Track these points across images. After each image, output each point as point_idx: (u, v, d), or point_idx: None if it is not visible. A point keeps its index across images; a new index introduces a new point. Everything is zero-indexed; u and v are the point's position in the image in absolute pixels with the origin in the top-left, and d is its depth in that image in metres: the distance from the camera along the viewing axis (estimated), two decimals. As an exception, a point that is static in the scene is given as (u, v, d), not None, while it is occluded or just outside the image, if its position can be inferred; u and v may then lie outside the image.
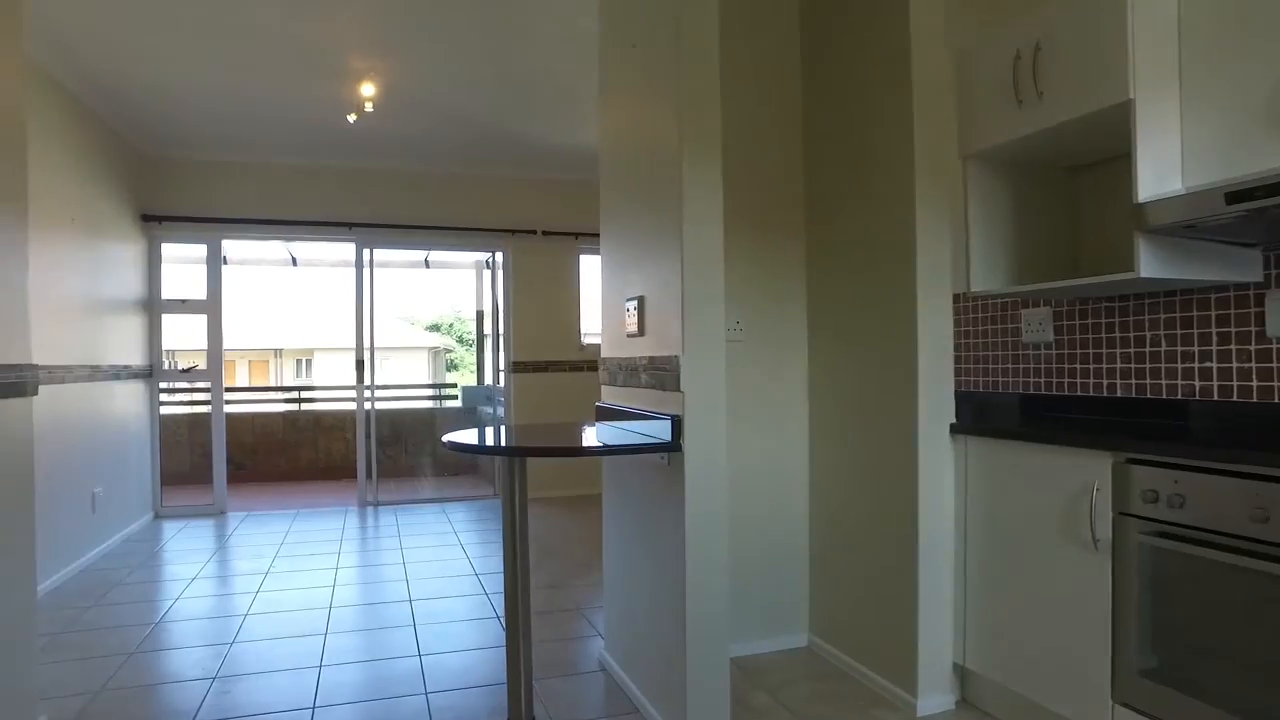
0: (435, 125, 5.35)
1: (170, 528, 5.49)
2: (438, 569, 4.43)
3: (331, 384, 13.05)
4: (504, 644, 3.02)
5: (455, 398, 9.21)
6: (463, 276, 11.71)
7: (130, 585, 4.11)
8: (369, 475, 6.33)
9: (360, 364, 6.34)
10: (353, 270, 8.43)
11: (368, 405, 6.39)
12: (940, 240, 2.65)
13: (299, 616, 3.59)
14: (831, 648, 3.07)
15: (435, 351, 25.14)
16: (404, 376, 16.96)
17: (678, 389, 2.31)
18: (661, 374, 2.42)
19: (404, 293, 22.87)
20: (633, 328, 2.68)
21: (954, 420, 2.65)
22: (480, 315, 9.26)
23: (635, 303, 2.65)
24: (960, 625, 2.61)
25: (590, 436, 2.84)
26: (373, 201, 6.23)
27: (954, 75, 2.65)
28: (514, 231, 6.54)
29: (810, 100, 3.21)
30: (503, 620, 3.47)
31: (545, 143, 5.80)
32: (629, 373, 2.73)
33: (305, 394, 9.54)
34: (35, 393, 2.51)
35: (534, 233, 6.62)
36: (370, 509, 6.20)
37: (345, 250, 8.75)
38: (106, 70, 4.31)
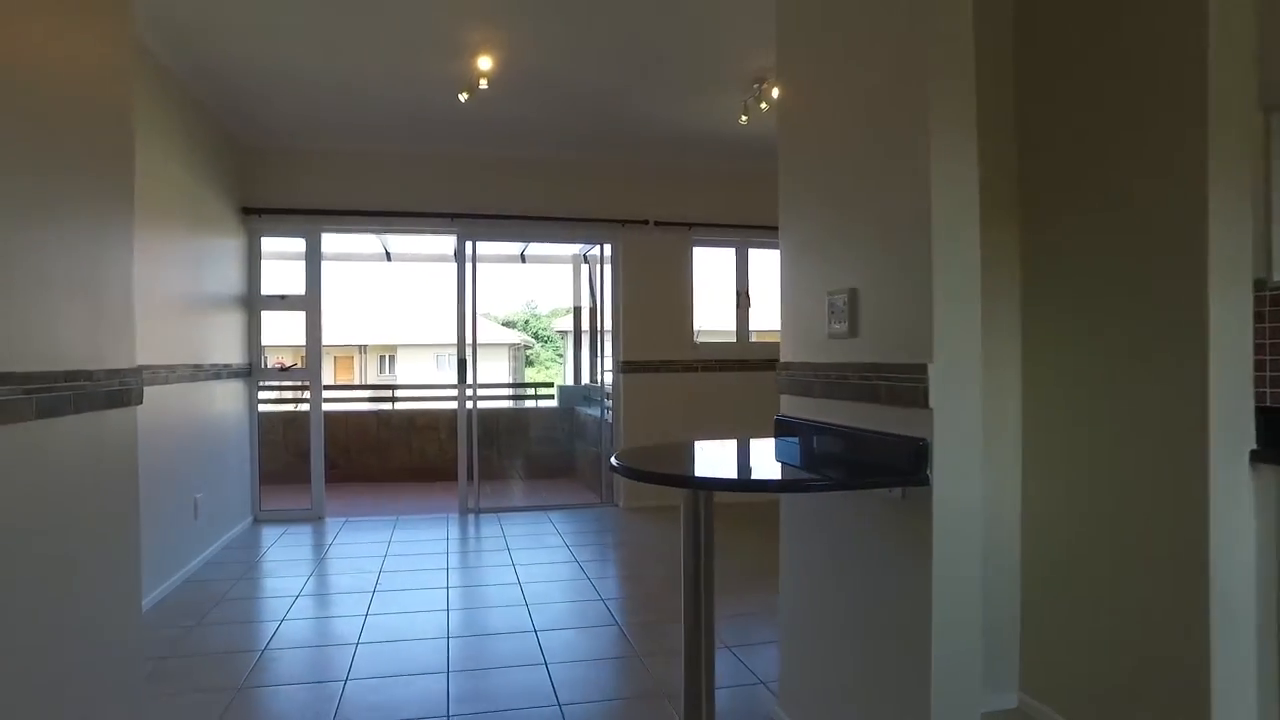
0: (549, 107, 4.95)
1: (269, 534, 5.23)
2: (557, 590, 4.01)
3: (422, 381, 12.92)
4: (653, 689, 2.56)
5: (550, 397, 8.85)
6: (555, 271, 11.36)
7: (233, 602, 3.81)
8: (470, 480, 5.99)
9: (462, 363, 6.00)
10: (446, 264, 8.13)
11: (469, 405, 6.04)
12: (1238, 215, 2.06)
13: (416, 649, 3.21)
14: (1052, 711, 2.52)
15: (514, 348, 25.09)
16: (486, 375, 16.81)
17: (924, 405, 1.79)
18: (895, 386, 1.91)
19: (491, 288, 22.79)
20: (839, 327, 2.17)
21: (1255, 446, 2.06)
22: (578, 311, 8.90)
23: (843, 297, 2.14)
24: (1269, 708, 2.03)
25: (772, 457, 2.36)
26: (476, 192, 5.88)
27: None
28: (625, 222, 6.10)
29: (1027, 57, 2.64)
30: (643, 658, 3.06)
31: (669, 127, 5.33)
32: (830, 382, 2.23)
33: (397, 393, 9.34)
34: (140, 401, 2.17)
35: (645, 223, 6.16)
36: (472, 516, 5.86)
37: (442, 243, 8.50)
38: (211, 51, 4.03)
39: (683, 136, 5.58)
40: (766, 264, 6.91)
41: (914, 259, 1.84)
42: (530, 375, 24.92)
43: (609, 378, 6.42)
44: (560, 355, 26.73)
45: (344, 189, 5.66)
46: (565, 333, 26.36)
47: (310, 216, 5.61)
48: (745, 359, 6.45)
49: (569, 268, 8.88)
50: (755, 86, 4.58)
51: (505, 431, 8.23)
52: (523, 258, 8.65)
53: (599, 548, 4.92)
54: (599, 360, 8.82)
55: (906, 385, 1.86)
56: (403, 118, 5.16)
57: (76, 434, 1.85)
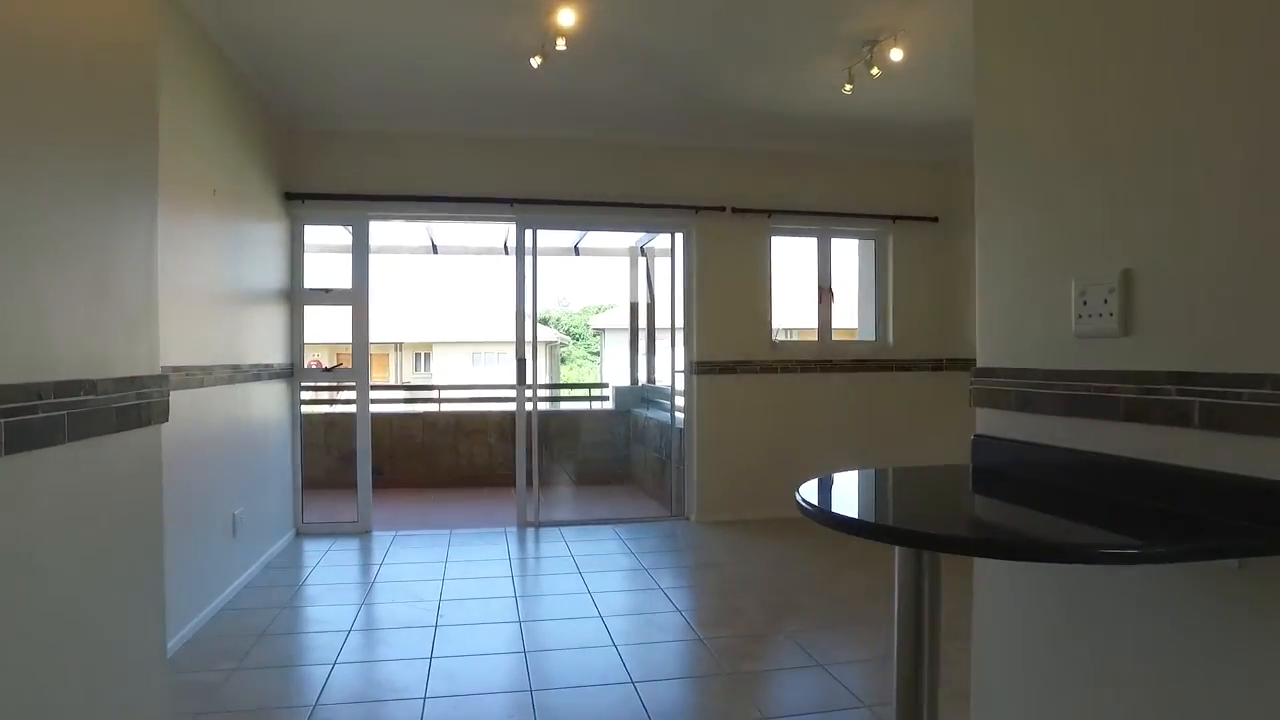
0: (623, 78, 4.40)
1: (313, 550, 4.75)
2: (645, 627, 3.46)
3: (461, 381, 12.51)
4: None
5: (604, 398, 8.32)
6: (604, 265, 10.84)
7: (277, 638, 3.32)
8: (530, 490, 5.47)
9: (522, 362, 5.48)
10: (493, 258, 7.61)
11: (529, 407, 5.52)
12: None
13: (493, 704, 2.68)
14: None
15: (551, 346, 24.65)
16: (511, 374, 16.38)
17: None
18: (1225, 405, 1.32)
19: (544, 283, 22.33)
20: (1097, 323, 1.59)
21: None
22: (634, 307, 8.36)
23: (1107, 283, 1.56)
24: None
25: (989, 493, 1.78)
26: (536, 177, 5.35)
27: None
28: (699, 209, 5.53)
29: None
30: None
31: (755, 100, 4.75)
32: (1078, 396, 1.64)
33: (443, 393, 8.88)
34: (164, 418, 1.65)
35: (722, 209, 5.59)
36: (531, 530, 5.34)
37: (491, 235, 8.01)
38: (252, 13, 3.54)
39: (769, 113, 4.99)
40: (847, 256, 6.31)
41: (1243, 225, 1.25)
42: (564, 374, 24.43)
43: (678, 379, 5.86)
44: (594, 354, 26.24)
45: (394, 174, 5.17)
46: (601, 330, 25.91)
47: (358, 203, 5.12)
48: (828, 360, 5.86)
49: (624, 261, 8.34)
50: (865, 49, 3.98)
51: (558, 435, 7.71)
52: (576, 250, 8.13)
53: (679, 570, 4.37)
54: (654, 359, 8.30)
55: (1252, 405, 1.27)
56: (459, 92, 4.64)
57: (70, 469, 1.33)
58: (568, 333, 27.31)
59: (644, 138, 5.47)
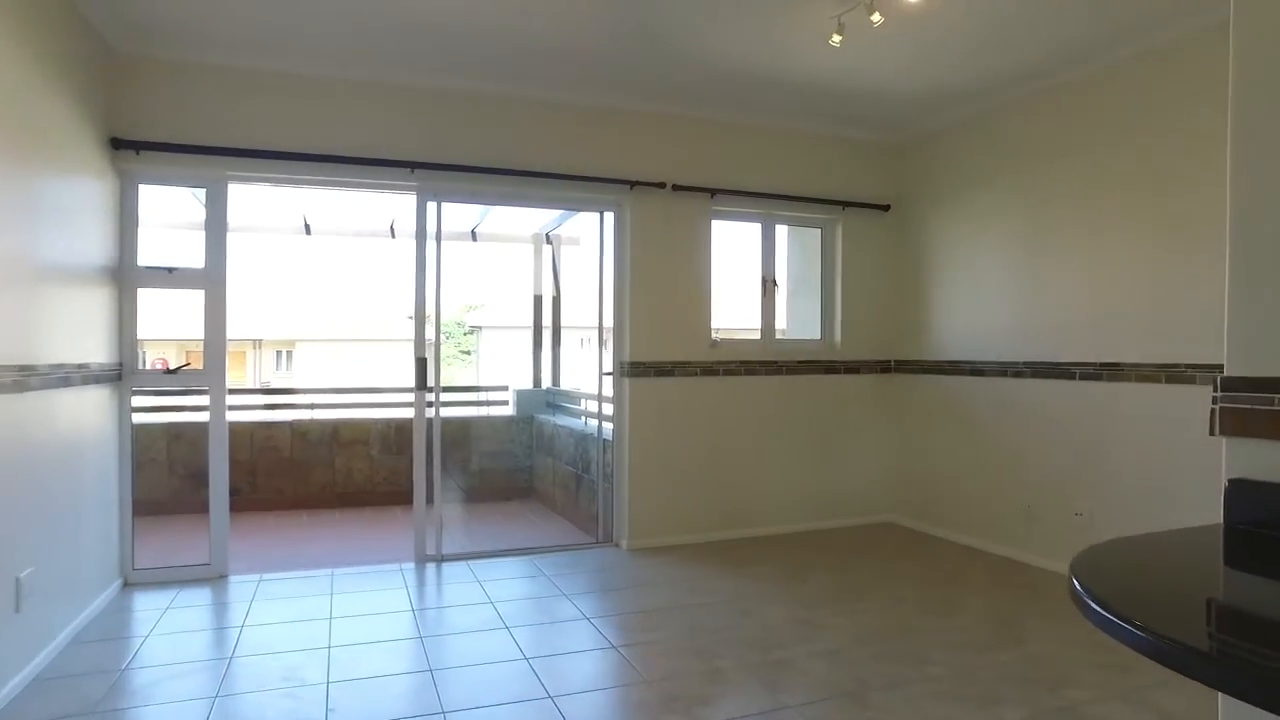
0: (551, 19, 3.55)
1: (146, 609, 3.63)
2: (615, 707, 2.64)
3: (330, 385, 11.24)
4: None
5: (504, 403, 7.38)
6: (509, 254, 9.92)
7: (83, 764, 2.28)
8: (430, 509, 4.51)
9: (422, 363, 4.51)
10: (379, 242, 6.59)
11: (430, 414, 4.56)
12: None
13: None
14: None
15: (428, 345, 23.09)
16: (393, 377, 14.81)
17: None
18: None
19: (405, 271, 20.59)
20: None
21: None
22: (538, 300, 7.48)
23: None
24: None
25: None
26: (441, 138, 4.40)
27: None
28: (635, 184, 4.74)
29: None
30: None
31: (717, 62, 4.01)
32: None
33: (315, 398, 7.65)
34: None
35: (661, 186, 4.82)
36: (434, 565, 4.39)
37: (376, 215, 6.93)
38: None
39: (727, 72, 4.27)
40: (787, 244, 5.70)
41: None
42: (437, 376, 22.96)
43: (606, 383, 5.05)
44: (465, 353, 24.95)
45: (264, 123, 4.09)
46: (478, 328, 24.62)
47: (214, 158, 4.01)
48: (773, 360, 5.21)
49: (526, 249, 7.45)
50: (862, -11, 3.32)
51: (452, 445, 6.71)
52: (474, 235, 7.16)
53: (628, 618, 3.56)
54: (559, 359, 7.45)
55: None
56: (350, 25, 3.66)
57: None
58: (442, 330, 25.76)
59: (574, 96, 4.62)
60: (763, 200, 5.11)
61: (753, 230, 5.35)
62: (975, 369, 4.88)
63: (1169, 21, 3.67)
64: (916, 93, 4.64)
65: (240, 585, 3.99)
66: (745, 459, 5.11)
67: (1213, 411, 1.34)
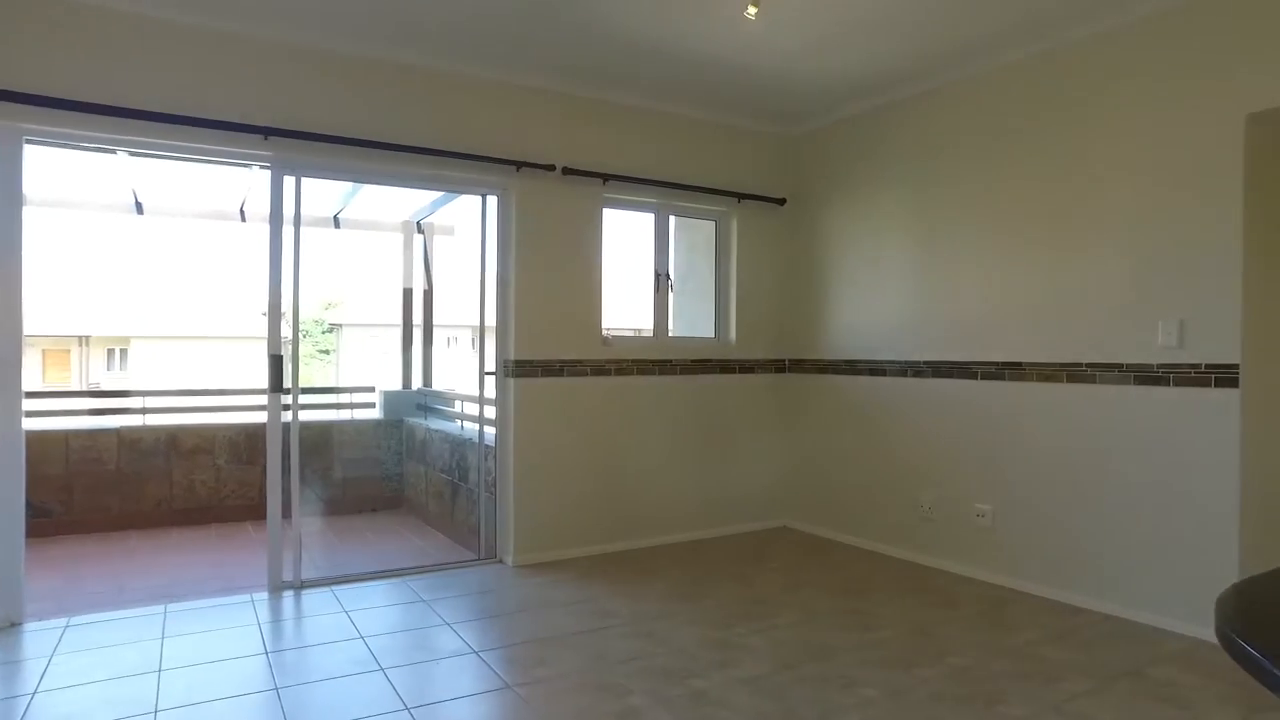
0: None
1: (-86, 666, 2.90)
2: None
3: (172, 386, 10.12)
4: None
5: (371, 406, 6.75)
6: (377, 243, 9.19)
7: None
8: (288, 532, 3.92)
9: (277, 361, 3.91)
10: (228, 225, 5.89)
11: (287, 417, 3.96)
12: None
13: None
14: None
15: (285, 342, 21.51)
16: (243, 378, 13.42)
17: None
18: None
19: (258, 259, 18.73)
20: None
21: None
22: (408, 293, 6.91)
23: None
24: None
25: None
26: (302, 102, 3.83)
27: None
28: (522, 165, 4.32)
29: None
30: None
31: (616, 32, 3.65)
32: None
33: (148, 401, 6.71)
34: None
35: (551, 169, 4.43)
36: (293, 594, 3.81)
37: (223, 193, 6.16)
38: None
39: (620, 50, 3.93)
40: (674, 238, 5.43)
41: None
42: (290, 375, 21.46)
43: (489, 383, 4.60)
44: (324, 352, 23.58)
45: (75, 71, 3.39)
46: (338, 325, 23.22)
47: (4, 106, 3.29)
48: (667, 359, 4.93)
49: (395, 238, 6.85)
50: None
51: (312, 452, 6.03)
52: (336, 221, 6.50)
53: (525, 649, 3.15)
54: (431, 358, 6.90)
55: None
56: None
57: None
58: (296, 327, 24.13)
59: (457, 66, 4.16)
60: (657, 189, 4.81)
61: (645, 222, 5.04)
62: (874, 368, 4.77)
63: (1065, 24, 3.64)
64: (816, 83, 4.47)
65: (38, 635, 3.27)
66: (639, 464, 4.81)
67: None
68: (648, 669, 2.93)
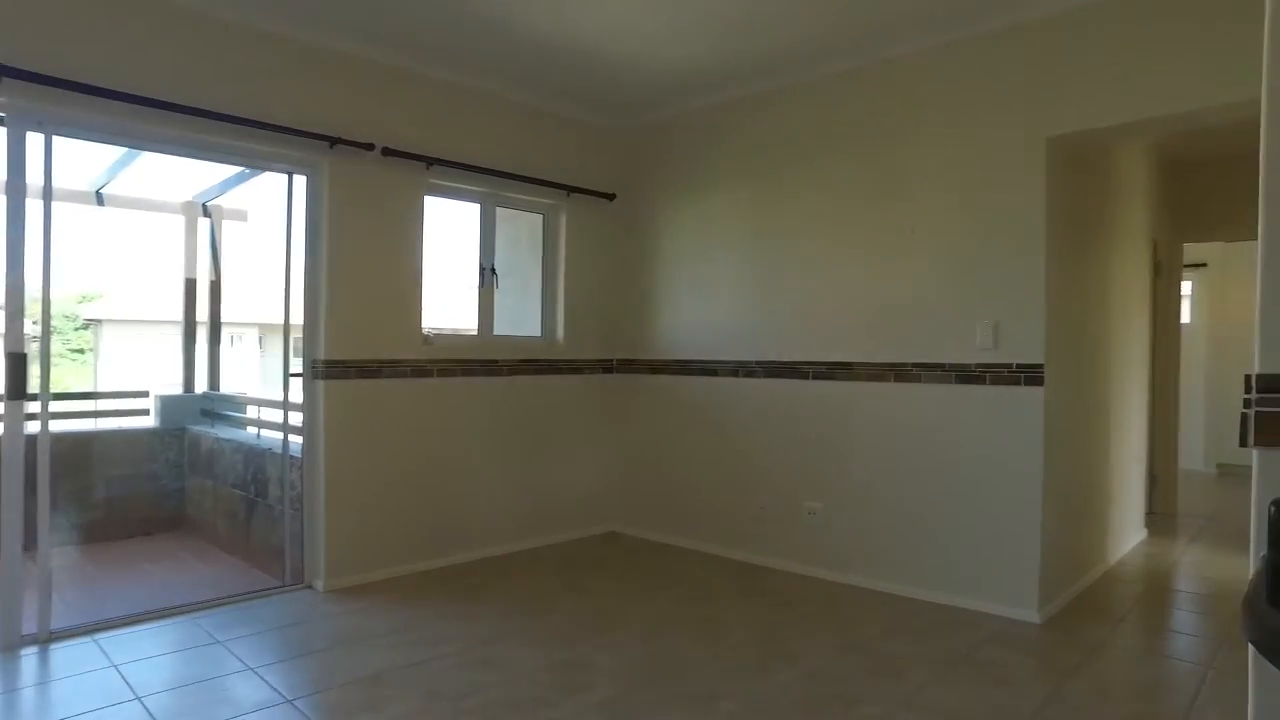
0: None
1: None
2: None
3: None
4: None
5: (145, 412, 5.83)
6: (152, 225, 8.11)
7: None
8: (27, 563, 3.19)
9: (19, 361, 3.19)
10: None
11: (33, 428, 3.24)
12: None
13: None
14: None
15: (29, 339, 18.47)
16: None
17: None
18: None
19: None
20: None
21: None
22: (191, 284, 6.07)
23: None
24: None
25: None
26: (58, 45, 3.14)
27: None
28: (337, 141, 3.84)
29: None
30: None
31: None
32: None
33: None
34: None
35: (370, 148, 3.98)
36: (37, 652, 3.11)
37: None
38: None
39: (449, 17, 3.59)
40: (508, 231, 5.14)
41: None
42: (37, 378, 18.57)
43: (294, 386, 4.07)
44: (78, 351, 20.68)
45: None
46: (96, 321, 20.39)
47: None
48: (493, 359, 4.63)
49: (176, 220, 5.98)
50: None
51: (67, 471, 5.09)
52: (100, 197, 5.56)
53: (341, 692, 2.74)
54: (218, 358, 6.10)
55: None
56: None
57: None
58: (35, 323, 20.89)
59: (264, 22, 3.60)
60: (485, 177, 4.49)
61: (468, 212, 4.71)
62: (706, 368, 4.75)
63: (893, 38, 3.78)
64: (653, 77, 4.38)
65: None
66: (464, 471, 4.47)
67: (1245, 417, 1.08)
68: (491, 703, 2.64)
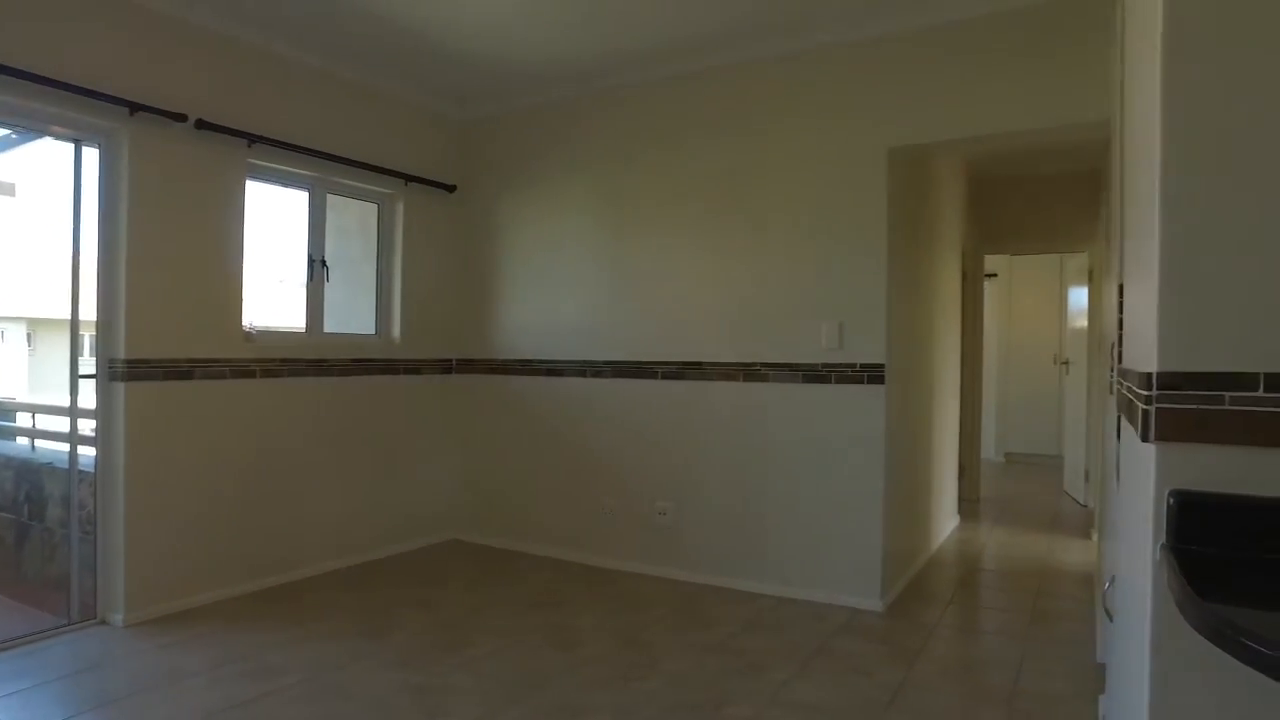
0: None
1: None
2: None
3: None
4: None
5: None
6: None
7: None
8: None
9: None
10: None
11: None
12: None
13: None
14: None
15: None
16: None
17: None
18: None
19: None
20: None
21: None
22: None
23: None
24: None
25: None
26: None
27: None
28: (137, 108, 3.35)
29: None
30: None
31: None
32: None
33: None
34: None
35: (183, 119, 3.51)
36: None
37: None
38: None
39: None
40: (341, 221, 4.77)
41: None
42: None
43: (85, 390, 3.52)
44: None
45: None
46: None
47: None
48: (323, 359, 4.26)
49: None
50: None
51: None
52: None
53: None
54: (76, 360, 5.21)
55: None
56: None
57: None
58: None
59: (33, -38, 3.08)
60: (315, 160, 4.12)
61: (298, 200, 4.31)
62: (553, 368, 4.63)
63: (750, 42, 3.84)
64: (501, 65, 4.20)
65: None
66: (292, 481, 4.07)
67: (1145, 414, 1.12)
68: (341, 738, 2.39)
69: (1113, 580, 1.99)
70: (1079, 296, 6.44)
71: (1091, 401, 5.49)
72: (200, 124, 3.57)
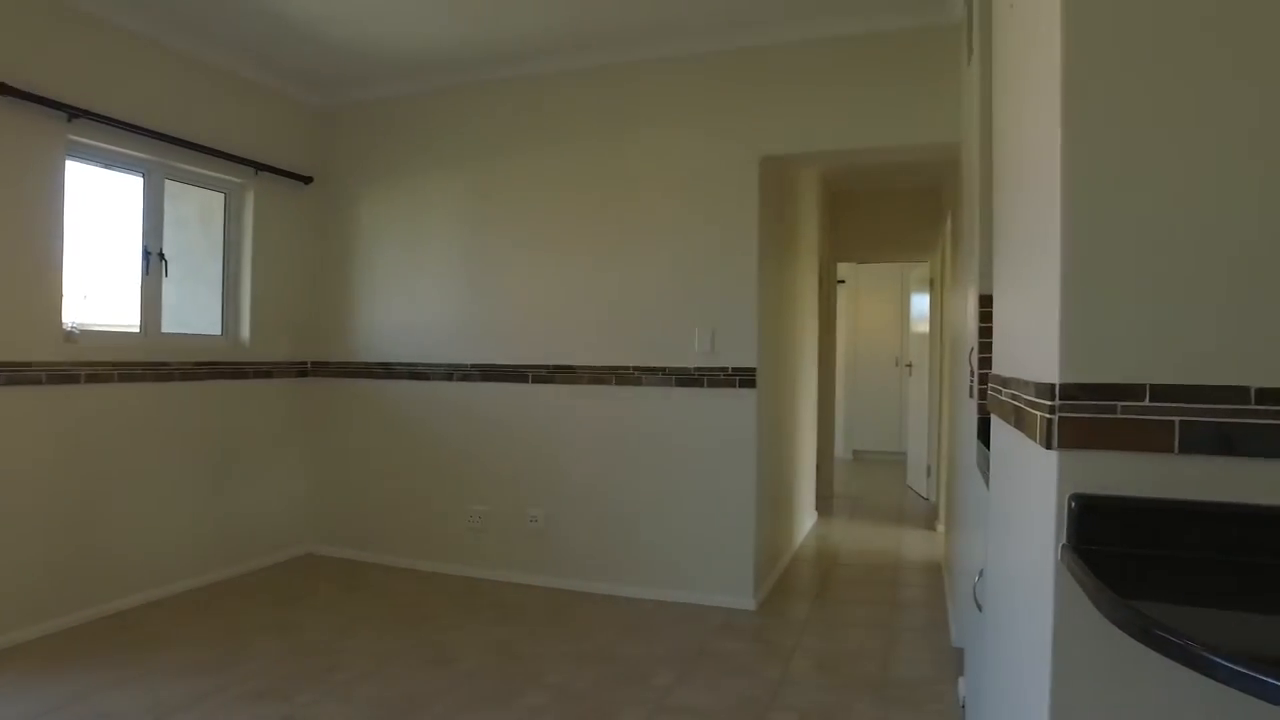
0: None
1: None
2: None
3: None
4: None
5: None
6: None
7: None
8: None
9: None
10: None
11: None
12: None
13: None
14: None
15: None
16: None
17: None
18: None
19: None
20: None
21: None
22: None
23: None
24: None
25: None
26: None
27: None
28: (-64, 73, 2.91)
29: None
30: None
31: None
32: None
33: None
34: None
35: (-15, 87, 3.07)
36: None
37: None
38: None
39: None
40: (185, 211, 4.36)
41: None
42: None
43: None
44: None
45: None
46: None
47: None
48: (161, 362, 3.88)
49: None
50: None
51: None
52: None
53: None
54: None
55: None
56: None
57: None
58: None
59: None
60: (152, 143, 3.74)
61: (132, 186, 3.89)
62: (416, 372, 4.43)
63: (622, 43, 3.84)
64: (365, 49, 3.98)
65: None
66: (126, 498, 3.67)
67: (1049, 423, 1.19)
68: (193, 783, 2.16)
69: (981, 574, 2.12)
70: (921, 303, 6.90)
71: (933, 402, 5.89)
72: (9, 90, 3.14)
